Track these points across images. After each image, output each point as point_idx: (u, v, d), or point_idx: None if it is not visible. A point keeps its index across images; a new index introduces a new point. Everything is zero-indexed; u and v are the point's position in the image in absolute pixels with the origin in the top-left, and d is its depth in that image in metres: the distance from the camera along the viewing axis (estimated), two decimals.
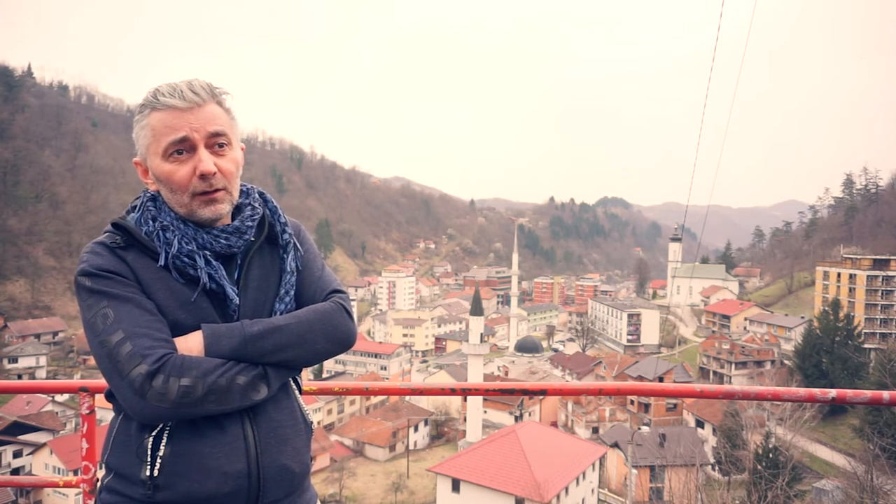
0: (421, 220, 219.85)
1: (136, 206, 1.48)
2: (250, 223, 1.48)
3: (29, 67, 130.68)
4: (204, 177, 1.36)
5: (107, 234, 1.41)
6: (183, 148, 1.36)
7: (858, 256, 73.16)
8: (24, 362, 67.95)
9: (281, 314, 1.47)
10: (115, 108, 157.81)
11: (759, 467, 29.44)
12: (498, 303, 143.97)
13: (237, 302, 1.42)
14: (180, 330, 1.36)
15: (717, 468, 41.33)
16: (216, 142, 1.39)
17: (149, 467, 1.30)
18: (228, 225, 1.45)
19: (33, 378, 62.51)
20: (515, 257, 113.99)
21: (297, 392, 1.55)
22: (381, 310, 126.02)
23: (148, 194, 1.47)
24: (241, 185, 1.53)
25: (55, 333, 77.18)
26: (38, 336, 74.55)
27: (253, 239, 1.50)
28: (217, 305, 1.42)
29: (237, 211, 1.50)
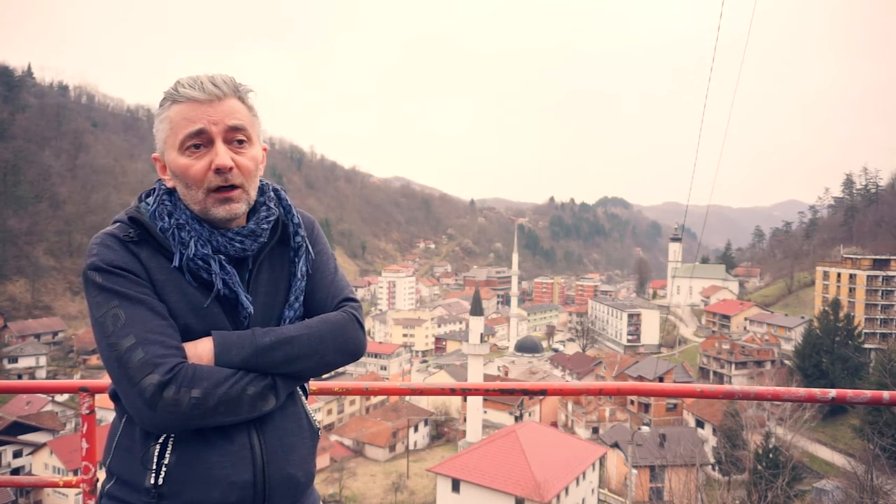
0: (421, 220, 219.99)
1: (149, 194, 1.43)
2: (266, 225, 1.44)
3: (29, 67, 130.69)
4: (220, 171, 1.31)
5: (118, 225, 1.36)
6: (200, 142, 1.31)
7: (858, 256, 73.11)
8: (24, 362, 67.97)
9: (290, 320, 1.45)
10: (115, 108, 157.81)
11: (759, 467, 29.49)
12: (498, 303, 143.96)
13: (251, 310, 1.39)
14: (190, 335, 1.33)
15: (717, 468, 41.33)
16: (235, 137, 1.34)
17: (153, 475, 1.27)
18: (244, 227, 1.41)
19: (33, 378, 62.54)
20: (515, 257, 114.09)
21: (303, 398, 1.53)
22: (381, 310, 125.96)
23: (164, 187, 1.42)
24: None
25: (55, 333, 77.21)
26: (38, 336, 74.58)
27: (265, 240, 1.45)
28: (228, 311, 1.38)
29: (252, 210, 1.45)
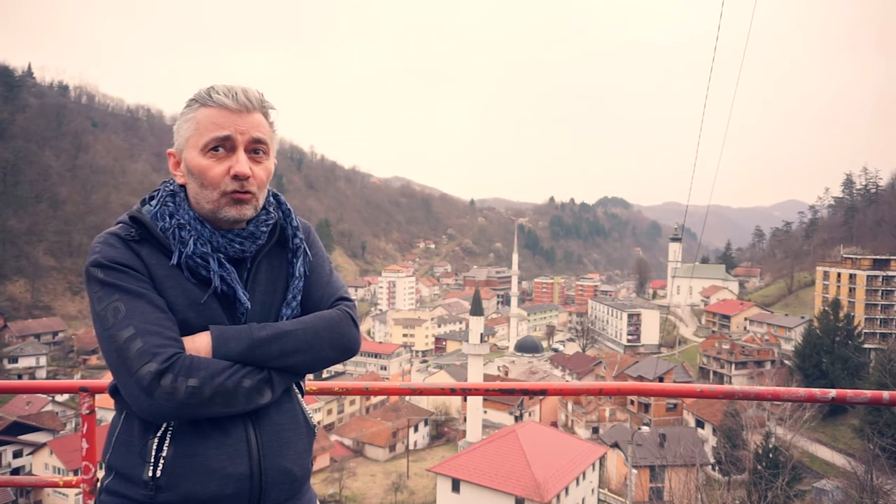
0: (421, 220, 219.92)
1: (153, 197, 1.48)
2: (264, 228, 1.49)
3: (29, 67, 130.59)
4: (237, 178, 1.37)
5: (121, 225, 1.41)
6: (224, 146, 1.38)
7: (858, 256, 73.10)
8: (24, 362, 67.90)
9: (287, 319, 1.48)
10: (115, 108, 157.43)
11: (759, 467, 29.48)
12: (498, 303, 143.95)
13: (248, 306, 1.43)
14: (189, 329, 1.37)
15: (717, 468, 41.33)
16: (256, 148, 1.41)
17: (152, 468, 1.30)
18: (243, 229, 1.46)
19: (33, 378, 62.52)
20: (515, 257, 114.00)
21: (299, 395, 1.56)
22: (381, 310, 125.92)
23: (168, 188, 1.47)
24: None
25: (55, 333, 77.16)
26: (38, 336, 74.53)
27: (263, 242, 1.50)
28: (226, 307, 1.42)
29: None
